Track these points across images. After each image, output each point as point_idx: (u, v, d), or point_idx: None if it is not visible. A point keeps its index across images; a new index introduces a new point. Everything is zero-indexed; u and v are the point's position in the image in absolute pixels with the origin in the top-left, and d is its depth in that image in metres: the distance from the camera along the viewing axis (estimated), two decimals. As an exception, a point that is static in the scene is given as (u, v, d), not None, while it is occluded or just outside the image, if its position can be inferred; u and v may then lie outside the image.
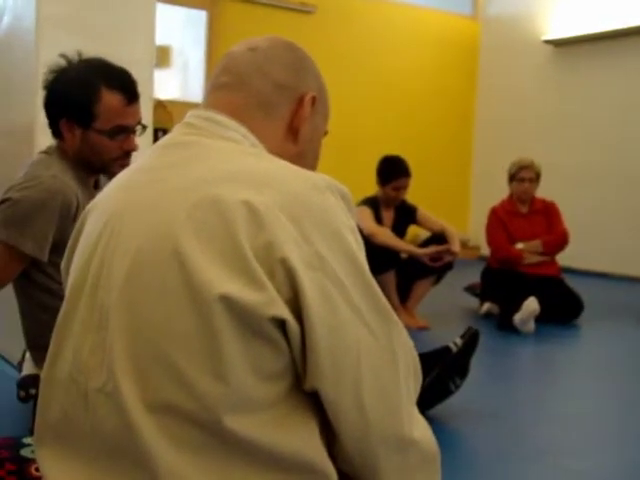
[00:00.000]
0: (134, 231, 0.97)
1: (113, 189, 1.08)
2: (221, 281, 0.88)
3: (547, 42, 7.49)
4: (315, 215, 0.93)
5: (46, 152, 2.09)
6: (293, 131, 1.12)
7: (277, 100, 1.11)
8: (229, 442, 0.90)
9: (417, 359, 1.04)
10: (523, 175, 4.78)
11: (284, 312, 0.90)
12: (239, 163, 0.99)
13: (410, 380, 1.01)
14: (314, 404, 0.96)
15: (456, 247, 4.18)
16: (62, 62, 2.03)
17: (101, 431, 0.94)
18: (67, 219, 1.97)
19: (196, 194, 0.94)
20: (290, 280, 0.90)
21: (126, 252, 0.96)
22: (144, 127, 2.09)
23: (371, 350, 0.95)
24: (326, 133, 1.22)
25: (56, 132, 2.06)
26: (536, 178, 4.81)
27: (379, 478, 0.99)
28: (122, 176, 1.10)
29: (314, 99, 1.13)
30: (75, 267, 1.05)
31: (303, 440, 0.94)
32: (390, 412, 0.97)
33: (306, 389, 0.95)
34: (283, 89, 1.11)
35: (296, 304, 0.91)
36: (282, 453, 0.92)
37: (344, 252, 0.94)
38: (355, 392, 0.94)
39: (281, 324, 0.91)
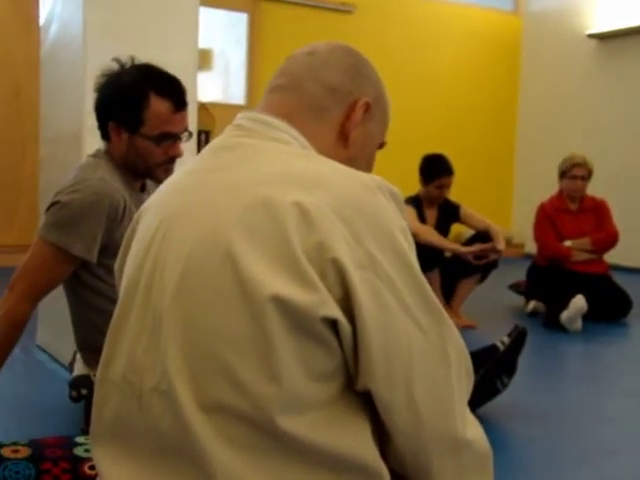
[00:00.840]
0: (186, 234, 0.98)
1: (165, 192, 1.09)
2: (273, 282, 0.89)
3: (591, 36, 7.37)
4: (366, 215, 0.93)
5: (94, 155, 2.13)
6: (344, 135, 1.12)
7: (329, 104, 1.10)
8: (283, 442, 0.90)
9: (469, 359, 1.03)
10: (575, 172, 4.71)
11: (335, 312, 0.90)
12: (288, 164, 1.00)
13: (462, 380, 1.00)
14: (366, 404, 0.96)
15: (501, 245, 4.14)
16: (115, 66, 2.07)
17: (155, 430, 0.96)
18: (115, 221, 2.00)
19: (246, 196, 0.95)
20: (341, 280, 0.90)
21: (178, 256, 0.97)
22: (190, 134, 2.12)
23: (423, 349, 0.95)
24: (383, 145, 1.21)
25: (104, 135, 2.10)
26: (588, 176, 4.74)
27: (432, 479, 0.99)
28: (174, 179, 1.11)
29: (368, 105, 1.12)
30: (128, 270, 1.07)
31: (356, 440, 0.94)
32: (442, 411, 0.97)
33: (358, 389, 0.95)
34: (336, 93, 1.11)
35: (347, 304, 0.91)
36: (335, 453, 0.92)
37: (395, 252, 0.94)
38: (407, 391, 0.94)
39: (333, 324, 0.91)
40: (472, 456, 1.01)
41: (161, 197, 1.09)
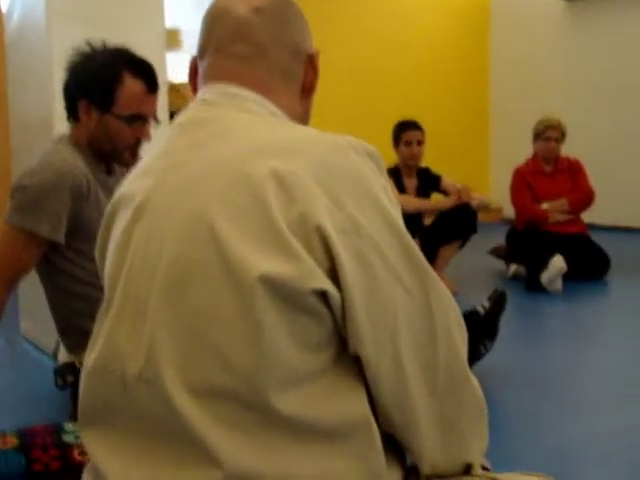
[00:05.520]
0: (167, 219, 0.96)
1: (139, 176, 1.06)
2: (260, 261, 0.88)
3: (559, -3, 7.36)
4: (343, 178, 0.93)
5: (57, 142, 2.12)
6: (307, 90, 1.13)
7: (294, 66, 1.11)
8: (279, 420, 0.90)
9: (457, 310, 1.01)
10: (549, 134, 4.73)
11: (324, 283, 0.89)
12: (261, 136, 0.98)
13: (454, 335, 0.99)
14: (360, 369, 0.96)
15: (475, 197, 4.40)
16: (87, 49, 2.06)
17: (145, 416, 0.95)
18: (80, 200, 1.99)
19: (224, 175, 0.93)
20: (326, 248, 0.89)
21: (161, 242, 0.95)
22: (157, 121, 2.11)
23: (409, 311, 0.95)
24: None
25: (73, 114, 2.08)
26: (562, 137, 4.76)
27: (419, 431, 0.99)
28: (147, 163, 1.08)
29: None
30: (110, 258, 1.05)
31: (350, 406, 0.94)
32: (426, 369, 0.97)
33: (350, 353, 0.95)
34: (297, 54, 1.11)
35: (335, 272, 0.90)
36: (330, 423, 0.92)
37: (377, 212, 0.93)
38: (394, 355, 0.94)
39: (322, 295, 0.90)
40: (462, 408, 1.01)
41: (136, 182, 1.06)
